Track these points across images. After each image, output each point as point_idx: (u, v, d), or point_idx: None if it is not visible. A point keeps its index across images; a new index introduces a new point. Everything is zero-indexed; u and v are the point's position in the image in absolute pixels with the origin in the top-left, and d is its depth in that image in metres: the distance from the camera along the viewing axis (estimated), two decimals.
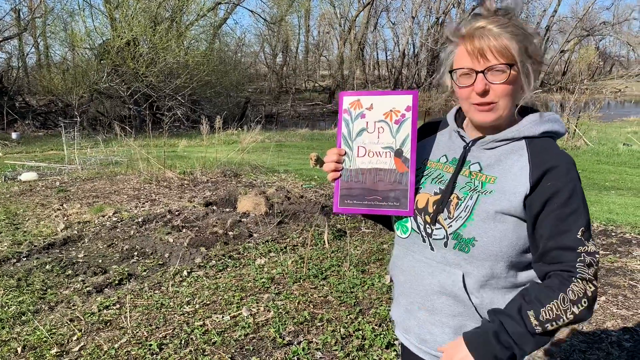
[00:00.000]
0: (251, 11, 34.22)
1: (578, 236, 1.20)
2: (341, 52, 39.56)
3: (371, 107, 1.44)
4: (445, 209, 1.32)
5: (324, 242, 5.00)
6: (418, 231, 1.38)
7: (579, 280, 1.20)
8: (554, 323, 1.20)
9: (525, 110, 1.36)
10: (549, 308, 1.19)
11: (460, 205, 1.30)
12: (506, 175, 1.27)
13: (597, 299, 3.62)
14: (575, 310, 1.19)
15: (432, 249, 1.36)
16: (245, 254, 4.81)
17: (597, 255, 1.22)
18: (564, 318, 1.19)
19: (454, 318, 1.35)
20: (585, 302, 1.20)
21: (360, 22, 39.23)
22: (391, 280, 4.03)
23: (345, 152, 1.44)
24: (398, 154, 1.41)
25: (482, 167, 1.32)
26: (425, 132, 1.52)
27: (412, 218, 1.40)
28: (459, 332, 1.34)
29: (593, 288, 1.21)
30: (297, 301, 3.72)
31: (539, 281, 1.27)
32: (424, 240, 1.37)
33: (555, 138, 1.33)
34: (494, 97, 1.26)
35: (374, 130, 1.44)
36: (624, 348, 3.06)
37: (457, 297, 1.33)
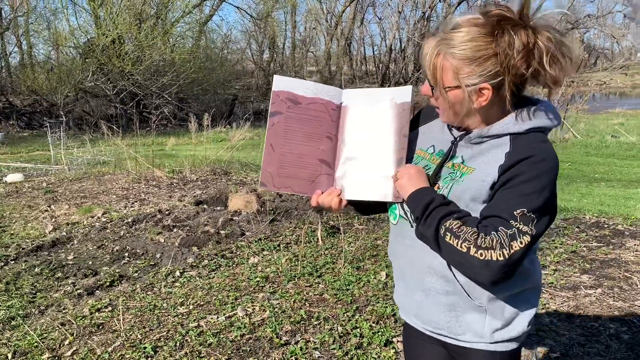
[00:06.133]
0: (237, 7, 33.75)
1: (515, 213, 1.21)
2: (328, 47, 39.44)
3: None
4: None
5: (318, 239, 4.96)
6: (405, 217, 1.42)
7: (495, 235, 1.20)
8: (448, 239, 1.23)
9: (526, 101, 1.34)
10: (458, 231, 1.23)
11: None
12: (483, 166, 1.29)
13: (593, 291, 3.63)
14: (467, 250, 1.21)
15: None
16: (238, 253, 4.76)
17: (525, 236, 1.20)
18: (457, 246, 1.22)
19: (445, 296, 1.38)
20: (481, 255, 1.19)
21: (347, 18, 39.17)
22: (387, 276, 4.01)
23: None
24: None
25: (465, 159, 1.34)
26: (425, 117, 1.53)
27: (399, 205, 1.44)
28: (452, 309, 1.38)
29: (501, 257, 1.19)
30: (292, 300, 3.68)
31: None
32: (411, 226, 1.40)
33: (546, 132, 1.32)
34: (434, 102, 1.36)
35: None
36: (623, 340, 3.05)
37: (445, 276, 1.36)
